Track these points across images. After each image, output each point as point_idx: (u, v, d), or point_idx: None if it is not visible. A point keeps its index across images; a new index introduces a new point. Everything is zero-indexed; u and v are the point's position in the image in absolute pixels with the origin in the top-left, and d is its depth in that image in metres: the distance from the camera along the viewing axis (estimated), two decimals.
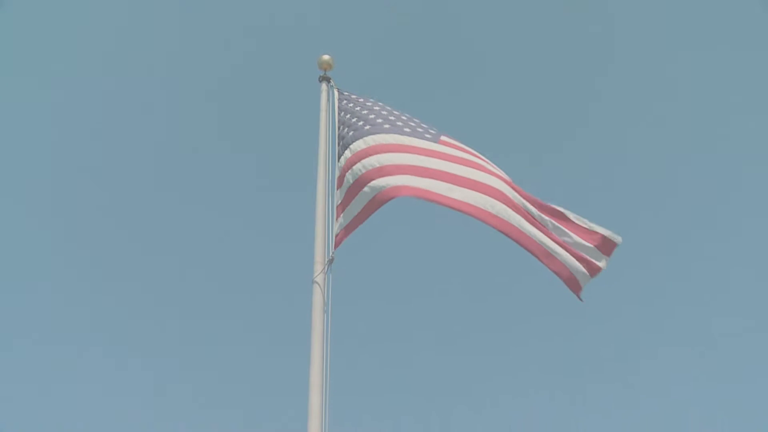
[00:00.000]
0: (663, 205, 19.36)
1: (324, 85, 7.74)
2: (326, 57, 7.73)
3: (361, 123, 7.14)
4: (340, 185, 7.01)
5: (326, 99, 7.64)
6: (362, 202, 6.72)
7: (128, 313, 17.06)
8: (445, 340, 17.43)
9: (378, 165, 6.72)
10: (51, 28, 18.67)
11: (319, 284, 6.62)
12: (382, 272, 18.23)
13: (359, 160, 6.79)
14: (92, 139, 18.96)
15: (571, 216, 6.78)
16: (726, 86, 19.39)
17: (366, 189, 6.67)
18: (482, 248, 19.03)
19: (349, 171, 6.82)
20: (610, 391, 16.37)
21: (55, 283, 17.19)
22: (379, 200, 6.62)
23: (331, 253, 6.77)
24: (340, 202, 6.92)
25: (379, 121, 7.10)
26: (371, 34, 21.11)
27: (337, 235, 6.84)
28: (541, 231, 6.66)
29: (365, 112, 7.25)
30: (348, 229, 6.77)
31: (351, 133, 7.12)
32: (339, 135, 7.27)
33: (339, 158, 7.13)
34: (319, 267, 6.69)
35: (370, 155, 6.79)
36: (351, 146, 6.97)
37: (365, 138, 6.94)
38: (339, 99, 7.55)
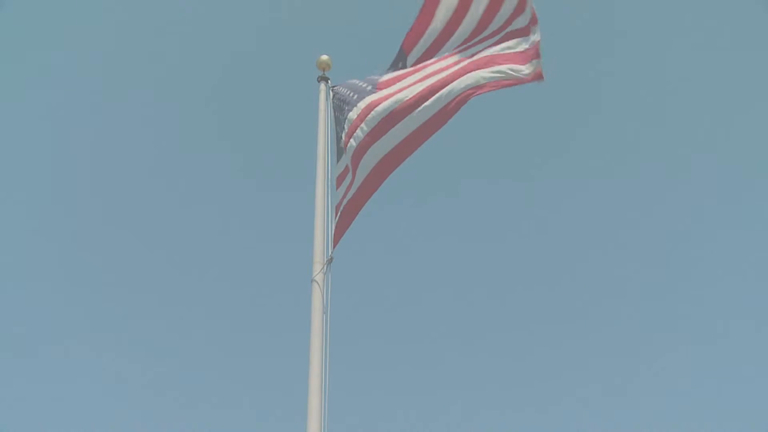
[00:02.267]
0: (663, 205, 19.38)
1: (322, 85, 7.74)
2: (325, 57, 7.74)
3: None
4: (339, 185, 7.06)
5: (324, 99, 7.65)
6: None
7: (126, 312, 17.08)
8: (447, 341, 17.46)
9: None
10: (51, 28, 18.73)
11: (318, 284, 6.64)
12: (382, 271, 18.27)
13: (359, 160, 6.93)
14: (90, 139, 19.00)
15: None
16: (726, 86, 19.42)
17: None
18: (483, 248, 19.09)
19: (354, 171, 6.98)
20: (612, 395, 16.38)
21: (54, 282, 17.21)
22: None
23: (330, 253, 6.81)
24: (339, 201, 6.98)
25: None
26: (370, 34, 21.11)
27: (335, 234, 6.88)
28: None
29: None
30: (346, 220, 6.88)
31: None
32: (337, 136, 7.32)
33: (338, 160, 7.18)
34: (318, 266, 6.71)
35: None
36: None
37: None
38: (334, 99, 7.59)
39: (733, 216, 18.56)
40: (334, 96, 7.58)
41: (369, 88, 7.15)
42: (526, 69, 6.57)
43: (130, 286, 17.64)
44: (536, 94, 20.32)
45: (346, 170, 7.05)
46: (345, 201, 6.92)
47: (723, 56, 19.49)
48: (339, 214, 6.93)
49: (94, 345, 16.22)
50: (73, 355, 16.00)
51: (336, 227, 6.89)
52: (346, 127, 7.05)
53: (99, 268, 17.76)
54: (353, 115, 6.98)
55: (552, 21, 20.52)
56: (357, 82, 7.43)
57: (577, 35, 21.09)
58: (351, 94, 7.23)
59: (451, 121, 7.27)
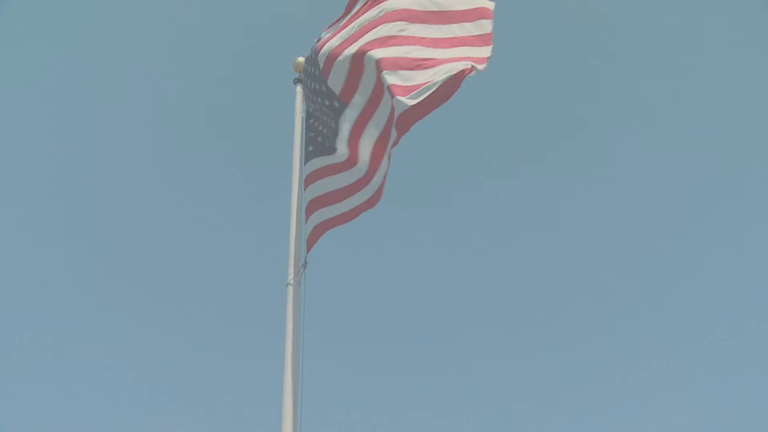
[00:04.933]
0: (662, 206, 19.34)
1: (299, 88, 7.71)
2: (301, 59, 7.72)
3: (325, 130, 7.18)
4: (307, 186, 7.05)
5: (301, 101, 7.64)
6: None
7: (115, 312, 17.12)
8: (427, 343, 17.42)
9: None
10: (49, 28, 18.85)
11: (293, 287, 6.66)
12: (359, 274, 18.20)
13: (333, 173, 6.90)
14: (84, 140, 19.09)
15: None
16: (725, 86, 19.35)
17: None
18: (469, 248, 19.08)
19: (324, 179, 6.92)
20: (611, 397, 16.32)
21: (41, 281, 17.26)
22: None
23: (304, 257, 6.82)
24: (308, 203, 6.95)
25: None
26: None
27: (308, 238, 6.87)
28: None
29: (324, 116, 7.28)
30: (323, 228, 6.84)
31: (320, 140, 7.20)
32: (307, 138, 7.31)
33: (306, 162, 7.17)
34: (293, 270, 6.74)
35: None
36: (322, 155, 7.05)
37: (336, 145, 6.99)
38: (306, 101, 7.57)
39: (735, 216, 18.52)
40: (305, 97, 7.58)
41: (336, 104, 6.97)
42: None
43: (118, 285, 17.68)
44: (533, 94, 20.32)
45: (315, 174, 7.02)
46: (320, 209, 6.89)
47: (723, 56, 19.44)
48: (311, 219, 6.91)
49: (72, 345, 16.26)
50: (58, 354, 16.06)
51: (310, 234, 6.87)
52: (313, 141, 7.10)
53: (77, 269, 17.81)
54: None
55: (550, 19, 20.50)
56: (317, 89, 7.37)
57: (576, 33, 21.08)
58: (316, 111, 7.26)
59: (439, 122, 7.13)
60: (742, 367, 15.78)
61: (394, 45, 6.21)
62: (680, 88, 20.06)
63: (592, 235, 19.31)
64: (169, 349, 16.68)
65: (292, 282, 6.70)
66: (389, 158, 6.28)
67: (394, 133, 6.03)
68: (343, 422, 14.61)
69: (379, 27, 6.42)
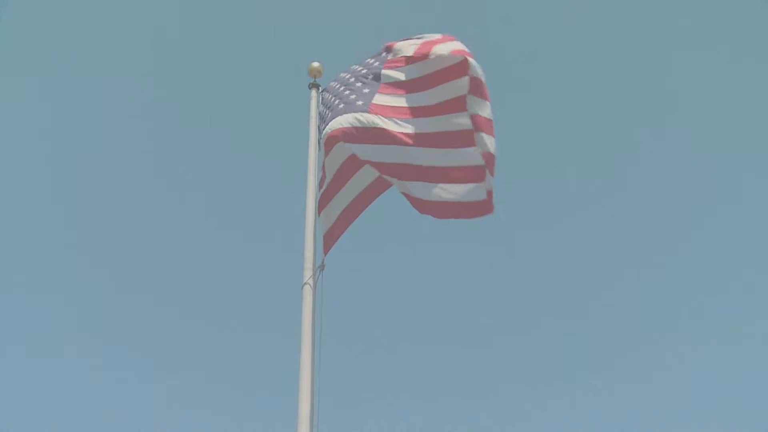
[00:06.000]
0: (665, 206, 19.39)
1: (314, 92, 7.77)
2: (316, 64, 7.78)
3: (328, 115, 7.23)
4: (321, 185, 7.07)
5: (315, 106, 7.68)
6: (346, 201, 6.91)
7: (119, 315, 17.13)
8: (440, 347, 17.46)
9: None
10: (49, 28, 18.84)
11: (309, 288, 6.65)
12: (376, 276, 18.27)
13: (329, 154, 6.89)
14: (87, 143, 19.08)
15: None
16: (726, 87, 19.42)
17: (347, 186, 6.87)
18: (477, 251, 19.12)
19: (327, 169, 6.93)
20: (598, 403, 16.36)
21: (43, 284, 17.26)
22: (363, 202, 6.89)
23: (321, 259, 6.82)
24: (321, 202, 6.99)
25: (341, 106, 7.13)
26: (362, 41, 21.19)
27: (324, 241, 6.86)
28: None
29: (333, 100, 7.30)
30: (338, 229, 6.86)
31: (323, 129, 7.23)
32: (318, 138, 7.35)
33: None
34: (308, 272, 6.72)
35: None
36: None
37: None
38: (321, 99, 7.62)
39: (744, 216, 18.58)
40: (322, 98, 7.61)
41: (360, 103, 7.00)
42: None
43: (124, 288, 17.70)
44: (536, 95, 20.35)
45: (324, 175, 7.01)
46: (334, 208, 6.89)
47: (723, 56, 19.50)
48: (328, 220, 6.91)
49: (79, 347, 16.27)
50: (68, 355, 16.08)
51: (326, 235, 6.86)
52: (325, 132, 7.02)
53: (91, 269, 17.82)
54: (336, 125, 6.87)
55: (552, 23, 20.55)
56: (346, 80, 7.37)
57: (579, 37, 21.12)
58: (336, 102, 7.18)
59: None
60: (747, 368, 15.89)
61: None
62: (680, 89, 20.15)
63: (594, 237, 19.39)
64: (177, 350, 16.76)
65: (307, 283, 6.68)
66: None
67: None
68: (358, 423, 14.66)
69: None
